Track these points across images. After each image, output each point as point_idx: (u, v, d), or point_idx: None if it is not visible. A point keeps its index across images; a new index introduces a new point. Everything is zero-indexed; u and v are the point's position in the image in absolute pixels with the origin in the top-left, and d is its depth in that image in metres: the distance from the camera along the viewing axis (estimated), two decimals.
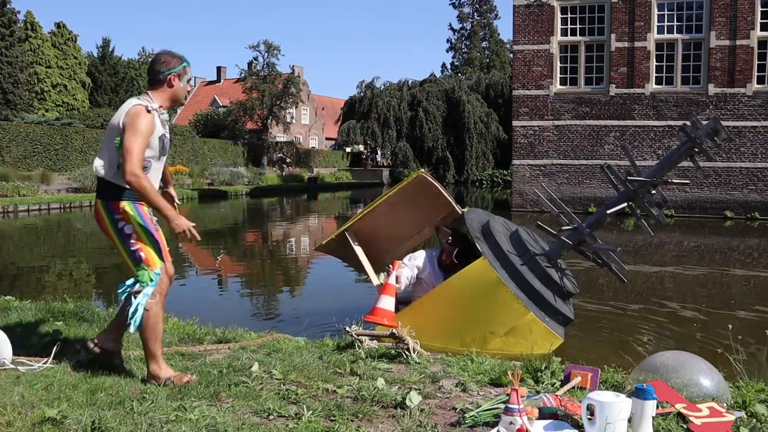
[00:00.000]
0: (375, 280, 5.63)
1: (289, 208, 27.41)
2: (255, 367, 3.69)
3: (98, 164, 3.39)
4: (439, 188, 5.79)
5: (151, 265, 3.38)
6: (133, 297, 3.35)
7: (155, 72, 3.52)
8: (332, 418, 2.99)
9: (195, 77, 71.68)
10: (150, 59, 3.19)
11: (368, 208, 5.74)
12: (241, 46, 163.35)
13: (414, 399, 3.14)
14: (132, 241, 3.37)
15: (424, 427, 2.91)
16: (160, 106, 3.47)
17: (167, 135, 3.55)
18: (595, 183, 21.27)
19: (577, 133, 21.55)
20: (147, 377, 3.47)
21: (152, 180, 3.43)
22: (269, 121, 48.30)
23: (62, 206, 22.07)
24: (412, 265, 5.65)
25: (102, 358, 3.60)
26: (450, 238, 5.70)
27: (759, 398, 3.27)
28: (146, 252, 3.38)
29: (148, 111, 3.36)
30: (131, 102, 3.42)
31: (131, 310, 3.34)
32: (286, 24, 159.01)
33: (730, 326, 4.84)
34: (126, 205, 3.35)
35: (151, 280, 3.37)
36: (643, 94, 20.84)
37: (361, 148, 54.10)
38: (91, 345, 3.60)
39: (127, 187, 3.32)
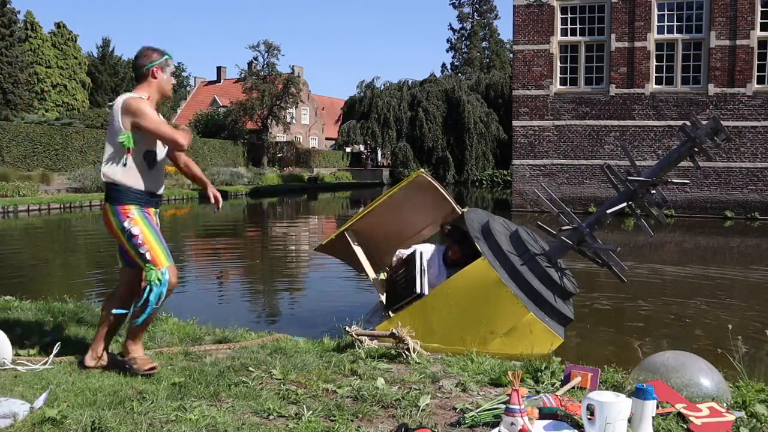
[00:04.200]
0: (375, 280, 5.62)
1: (289, 208, 27.42)
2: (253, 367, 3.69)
3: (105, 169, 3.52)
4: (439, 188, 5.79)
5: (158, 264, 3.48)
6: (145, 293, 3.48)
7: (139, 66, 3.65)
8: (332, 418, 2.99)
9: (195, 77, 71.69)
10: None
11: (368, 209, 5.74)
12: (241, 46, 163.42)
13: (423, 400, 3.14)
14: (139, 242, 3.48)
15: (424, 427, 2.90)
16: (148, 98, 3.59)
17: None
18: (595, 183, 21.27)
19: (577, 133, 21.55)
20: (123, 351, 3.67)
21: (159, 170, 3.63)
22: (269, 121, 48.29)
23: (62, 206, 22.07)
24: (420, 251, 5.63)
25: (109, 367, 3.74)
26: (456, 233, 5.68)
27: (759, 398, 3.27)
28: (153, 252, 3.49)
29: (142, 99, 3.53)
30: (121, 98, 3.54)
31: (139, 304, 3.50)
32: (286, 24, 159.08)
33: (730, 326, 4.84)
34: (133, 209, 3.50)
35: (159, 280, 3.47)
36: (643, 94, 20.84)
37: (361, 148, 54.10)
38: (93, 362, 3.72)
39: (133, 190, 3.49)
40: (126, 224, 3.48)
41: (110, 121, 3.58)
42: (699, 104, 20.32)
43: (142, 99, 3.52)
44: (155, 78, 3.65)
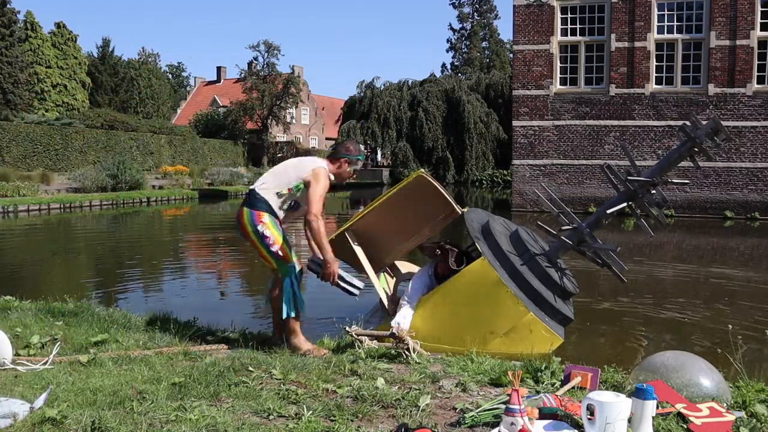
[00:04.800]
0: (375, 280, 5.62)
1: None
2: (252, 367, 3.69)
3: (264, 182, 4.37)
4: (439, 188, 5.79)
5: (287, 259, 4.24)
6: (283, 286, 4.22)
7: (338, 149, 4.59)
8: (332, 418, 2.99)
9: (195, 77, 71.72)
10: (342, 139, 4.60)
11: (368, 208, 5.73)
12: (241, 46, 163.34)
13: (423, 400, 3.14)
14: (270, 242, 4.22)
15: (424, 427, 2.90)
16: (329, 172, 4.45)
17: None
18: (595, 183, 21.27)
19: (577, 133, 21.55)
20: (290, 349, 4.22)
21: (287, 215, 4.47)
22: (269, 121, 48.30)
23: (62, 206, 22.06)
24: (412, 293, 5.55)
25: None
26: (438, 251, 5.59)
27: (759, 398, 3.27)
28: (283, 250, 4.24)
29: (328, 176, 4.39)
30: (319, 162, 4.42)
31: (284, 297, 4.22)
32: (286, 24, 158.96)
33: (730, 326, 4.85)
34: (266, 216, 4.26)
35: (288, 272, 4.22)
36: (643, 94, 20.83)
37: (361, 147, 54.06)
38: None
39: (272, 205, 4.28)
40: (259, 228, 4.22)
41: (296, 163, 4.43)
42: (699, 104, 20.31)
43: (326, 170, 4.38)
44: (341, 168, 4.53)
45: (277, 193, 4.34)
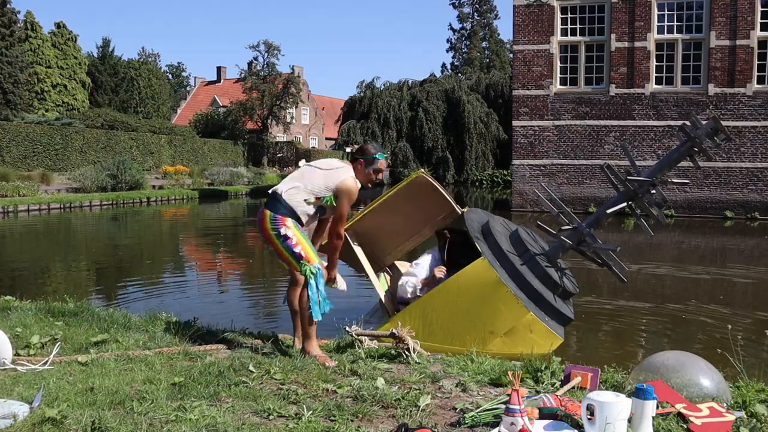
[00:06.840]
0: (374, 280, 5.62)
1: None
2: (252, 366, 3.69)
3: (292, 186, 4.22)
4: (439, 188, 5.79)
5: (310, 260, 4.12)
6: (309, 289, 4.09)
7: (355, 153, 4.43)
8: (332, 418, 2.99)
9: (195, 77, 71.71)
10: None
11: (368, 209, 5.73)
12: (241, 46, 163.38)
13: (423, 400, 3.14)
14: (293, 243, 4.12)
15: (424, 427, 2.90)
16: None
17: None
18: (595, 183, 21.27)
19: (577, 133, 21.55)
20: (300, 352, 4.15)
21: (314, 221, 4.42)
22: (269, 121, 48.28)
23: (62, 206, 22.06)
24: (418, 270, 5.64)
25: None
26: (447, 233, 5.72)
27: (759, 398, 3.27)
28: (305, 250, 4.13)
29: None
30: (348, 173, 4.25)
31: (312, 300, 4.08)
32: (286, 24, 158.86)
33: (730, 326, 4.85)
34: (289, 221, 4.17)
35: (313, 273, 4.10)
36: (643, 94, 20.83)
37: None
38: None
39: (296, 211, 4.17)
40: (281, 231, 4.13)
41: (326, 173, 4.23)
42: (699, 104, 20.31)
43: (355, 183, 4.25)
44: (360, 171, 4.33)
45: (305, 200, 4.21)
